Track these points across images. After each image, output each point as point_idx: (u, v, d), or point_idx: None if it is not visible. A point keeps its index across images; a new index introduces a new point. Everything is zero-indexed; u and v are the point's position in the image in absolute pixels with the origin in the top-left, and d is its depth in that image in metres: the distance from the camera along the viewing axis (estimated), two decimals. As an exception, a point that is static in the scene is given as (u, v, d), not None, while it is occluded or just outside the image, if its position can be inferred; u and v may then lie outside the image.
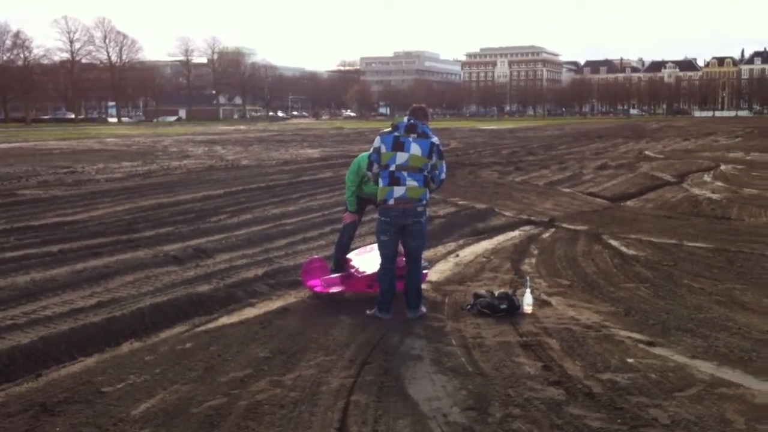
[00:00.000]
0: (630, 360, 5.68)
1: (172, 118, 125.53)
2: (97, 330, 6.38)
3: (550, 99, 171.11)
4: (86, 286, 7.94)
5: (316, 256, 8.65)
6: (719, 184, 18.46)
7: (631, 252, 9.94)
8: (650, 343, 6.09)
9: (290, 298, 7.76)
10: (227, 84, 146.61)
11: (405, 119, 7.08)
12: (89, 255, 9.51)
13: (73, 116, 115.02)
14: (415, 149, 6.87)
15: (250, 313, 7.21)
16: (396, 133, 6.96)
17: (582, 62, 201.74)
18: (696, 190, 17.17)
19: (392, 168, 6.86)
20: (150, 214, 13.18)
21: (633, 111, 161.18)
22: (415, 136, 6.92)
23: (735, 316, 6.87)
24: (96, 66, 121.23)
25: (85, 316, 6.76)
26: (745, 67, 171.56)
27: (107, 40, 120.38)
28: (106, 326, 6.48)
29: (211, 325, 6.80)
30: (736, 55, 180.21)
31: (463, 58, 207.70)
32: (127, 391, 5.11)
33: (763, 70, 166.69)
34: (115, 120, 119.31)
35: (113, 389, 5.14)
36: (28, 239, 10.63)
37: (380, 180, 6.97)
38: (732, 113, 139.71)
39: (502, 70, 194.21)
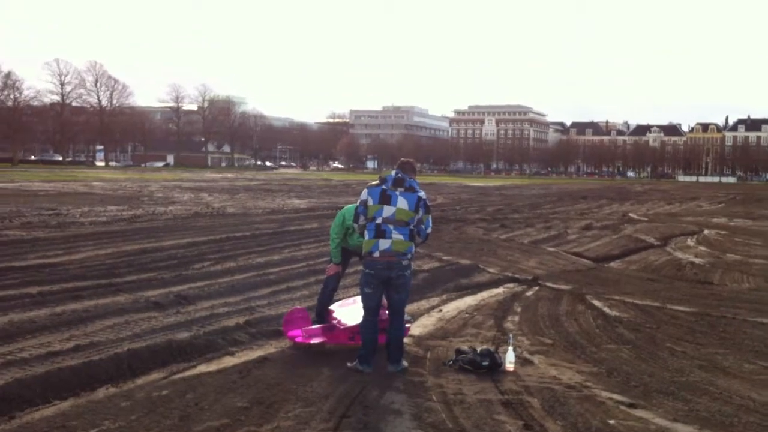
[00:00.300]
0: (611, 421, 5.64)
1: (160, 164, 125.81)
2: (74, 374, 6.29)
3: (536, 158, 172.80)
4: (64, 329, 7.84)
5: (298, 307, 8.61)
6: (702, 248, 18.57)
7: (614, 313, 9.95)
8: (632, 405, 6.06)
9: (270, 347, 7.69)
10: (216, 132, 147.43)
11: (393, 173, 7.12)
12: (69, 298, 9.42)
13: (60, 158, 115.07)
14: (402, 203, 6.91)
15: (229, 361, 7.14)
16: (383, 186, 6.99)
17: (568, 123, 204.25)
18: (679, 254, 17.26)
19: (378, 221, 6.89)
20: (133, 258, 13.09)
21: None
22: (402, 189, 6.97)
23: (717, 380, 6.85)
24: (86, 109, 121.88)
25: (61, 360, 6.66)
26: (728, 134, 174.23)
27: (98, 84, 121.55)
28: (83, 370, 6.39)
29: (188, 373, 6.71)
30: (720, 122, 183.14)
31: (452, 115, 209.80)
32: (100, 437, 5.02)
33: (747, 137, 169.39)
34: (102, 164, 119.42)
35: (87, 435, 5.04)
36: (8, 280, 10.51)
37: (366, 232, 6.99)
38: (716, 179, 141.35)
39: (489, 128, 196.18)
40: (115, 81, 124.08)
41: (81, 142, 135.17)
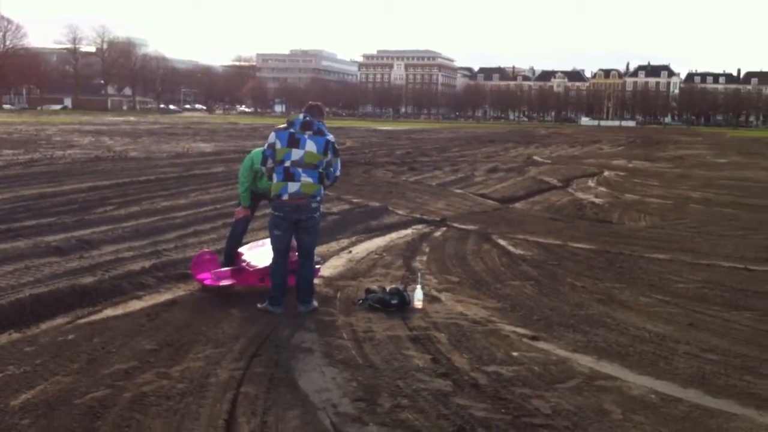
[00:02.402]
0: (515, 353, 5.86)
1: (57, 107, 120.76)
2: (-27, 320, 6.09)
3: (444, 103, 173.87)
4: (-39, 276, 7.55)
5: (206, 249, 8.53)
6: (602, 189, 19.22)
7: (518, 251, 10.24)
8: (534, 338, 6.30)
9: (179, 291, 7.62)
10: (117, 74, 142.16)
11: (301, 116, 7.08)
12: (-35, 244, 9.05)
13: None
14: (311, 146, 6.88)
15: (136, 305, 7.04)
16: (291, 130, 6.95)
17: (476, 69, 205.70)
18: (580, 195, 17.83)
19: (287, 164, 6.85)
20: (31, 203, 12.65)
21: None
22: (310, 133, 6.93)
23: (614, 313, 7.18)
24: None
25: (-40, 305, 6.43)
26: (629, 80, 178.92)
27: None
28: (-17, 316, 6.19)
29: (94, 317, 6.59)
30: (622, 68, 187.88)
31: (360, 59, 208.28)
32: (5, 381, 4.91)
33: (646, 83, 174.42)
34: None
35: (-10, 380, 4.92)
36: None
37: (275, 175, 6.94)
38: (616, 123, 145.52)
39: (398, 73, 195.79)
40: (9, 21, 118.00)
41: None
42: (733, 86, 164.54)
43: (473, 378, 5.25)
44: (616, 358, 5.85)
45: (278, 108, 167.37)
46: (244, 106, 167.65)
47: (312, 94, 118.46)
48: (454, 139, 49.08)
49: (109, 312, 6.77)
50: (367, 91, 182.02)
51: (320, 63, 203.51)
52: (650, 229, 12.84)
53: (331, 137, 7.06)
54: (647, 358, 5.85)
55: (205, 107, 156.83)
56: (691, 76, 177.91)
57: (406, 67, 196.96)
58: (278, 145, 6.92)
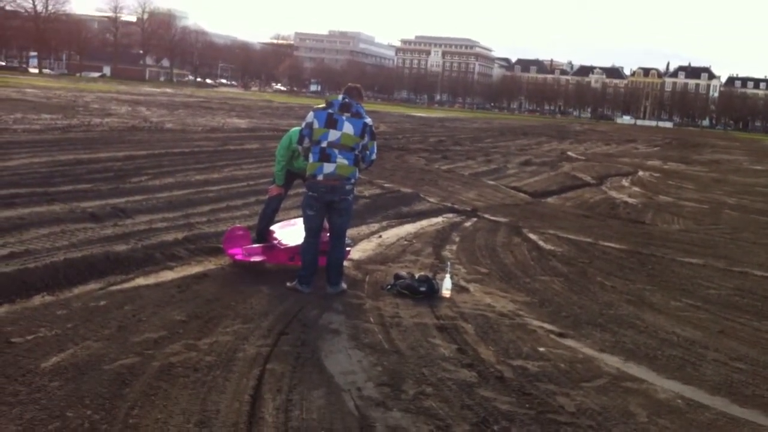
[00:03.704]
0: (541, 349, 5.84)
1: (96, 74, 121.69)
2: (9, 280, 6.18)
3: (480, 92, 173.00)
4: (-2, 236, 7.67)
5: (238, 225, 8.58)
6: (636, 189, 19.05)
7: (549, 247, 10.19)
8: (561, 335, 6.27)
9: (210, 264, 7.68)
10: (156, 45, 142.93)
11: (339, 97, 7.07)
12: (3, 205, 9.16)
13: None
14: (348, 128, 6.88)
15: (167, 276, 7.11)
16: (330, 110, 6.94)
17: (513, 60, 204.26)
18: (614, 193, 17.68)
19: (324, 144, 6.85)
20: (68, 169, 12.79)
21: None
22: (348, 115, 6.93)
23: (643, 315, 7.12)
24: (20, 14, 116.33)
25: (-5, 266, 6.53)
26: (668, 80, 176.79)
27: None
28: (18, 277, 6.29)
29: (126, 285, 6.68)
30: (662, 68, 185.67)
31: (398, 44, 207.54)
32: (37, 343, 4.99)
33: (686, 84, 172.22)
34: (36, 71, 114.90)
35: (23, 340, 5.00)
36: (-64, 183, 10.19)
37: (311, 155, 6.95)
38: (653, 123, 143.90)
39: (435, 60, 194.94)
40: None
41: (14, 48, 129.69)
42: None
43: (498, 371, 5.24)
44: (643, 360, 5.81)
45: (313, 88, 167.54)
46: (279, 84, 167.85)
47: (348, 77, 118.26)
48: (488, 130, 48.84)
49: (140, 281, 6.85)
50: (403, 77, 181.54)
51: (358, 45, 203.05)
52: (683, 232, 12.70)
53: (368, 120, 7.05)
54: (675, 363, 5.80)
55: (234, 83, 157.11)
56: (731, 80, 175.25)
57: (444, 54, 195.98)
58: (316, 125, 6.92)
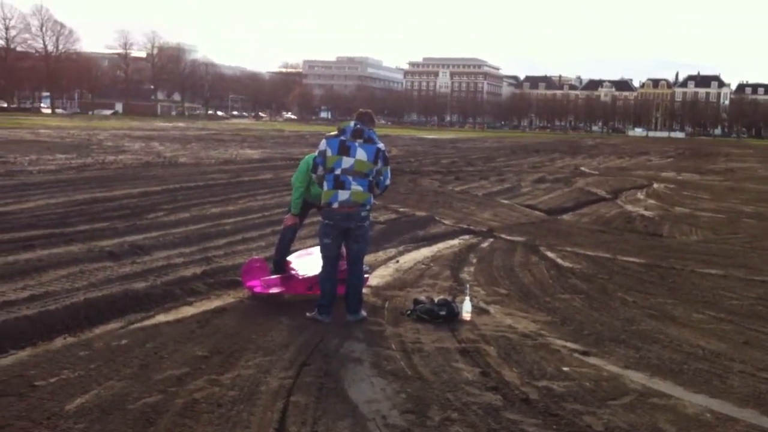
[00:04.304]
0: (565, 368, 5.79)
1: (108, 112, 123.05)
2: (30, 323, 6.21)
3: (489, 111, 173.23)
4: (18, 279, 7.70)
5: (256, 257, 8.60)
6: (652, 201, 18.96)
7: (567, 264, 10.14)
8: (585, 353, 6.22)
9: (229, 298, 7.69)
10: (166, 80, 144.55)
11: (351, 123, 7.09)
12: (21, 247, 9.23)
13: (5, 105, 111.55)
14: (361, 154, 6.90)
15: (187, 311, 7.12)
16: (342, 137, 6.97)
17: (522, 77, 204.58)
18: (629, 207, 17.60)
19: (338, 172, 6.87)
20: (84, 208, 12.88)
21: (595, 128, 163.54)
22: (361, 141, 6.95)
23: (666, 329, 7.06)
24: (31, 55, 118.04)
25: (17, 309, 6.55)
26: (678, 90, 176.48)
27: (44, 29, 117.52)
28: (39, 320, 6.32)
29: (147, 323, 6.69)
30: (671, 78, 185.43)
31: (406, 67, 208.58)
32: (60, 385, 5.00)
33: (696, 93, 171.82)
34: (49, 111, 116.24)
35: (46, 383, 5.02)
36: (-44, 229, 10.28)
37: (325, 183, 6.98)
38: (665, 134, 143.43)
39: (443, 81, 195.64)
40: (62, 26, 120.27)
41: (26, 89, 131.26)
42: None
43: (524, 392, 5.20)
44: (669, 375, 5.75)
45: (324, 115, 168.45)
46: (290, 112, 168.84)
47: (358, 102, 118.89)
48: (500, 149, 48.85)
49: (161, 317, 6.87)
50: (412, 99, 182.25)
51: (366, 70, 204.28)
52: (702, 243, 12.61)
53: (381, 146, 7.07)
54: (701, 376, 5.74)
55: (245, 114, 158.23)
56: (741, 87, 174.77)
57: (452, 74, 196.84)
58: (329, 153, 6.95)
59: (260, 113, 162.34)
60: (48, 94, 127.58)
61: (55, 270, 8.21)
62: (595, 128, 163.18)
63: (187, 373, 5.34)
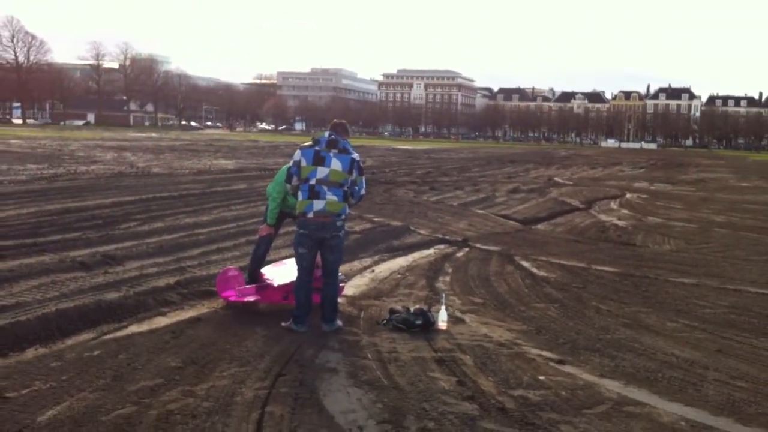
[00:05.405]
0: (541, 377, 5.79)
1: (80, 122, 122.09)
2: (1, 334, 6.09)
3: (464, 123, 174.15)
4: (-12, 289, 7.58)
5: (231, 266, 8.53)
6: (625, 211, 19.11)
7: (542, 273, 10.17)
8: (560, 362, 6.23)
9: (203, 308, 7.62)
10: (139, 91, 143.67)
11: (326, 134, 7.08)
12: (-9, 258, 9.09)
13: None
14: (336, 164, 6.89)
15: (160, 322, 7.05)
16: (317, 148, 6.96)
17: (496, 89, 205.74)
18: (603, 217, 17.73)
19: (312, 182, 6.86)
20: (56, 218, 12.71)
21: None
22: (336, 151, 6.94)
23: (641, 337, 7.10)
24: (2, 66, 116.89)
25: (-13, 320, 6.44)
26: (650, 102, 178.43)
27: (15, 40, 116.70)
28: (10, 330, 6.21)
29: (119, 333, 6.61)
30: (643, 90, 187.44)
31: (380, 78, 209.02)
32: (32, 397, 4.91)
33: (667, 105, 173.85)
34: (20, 121, 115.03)
35: (17, 395, 4.93)
36: (-77, 239, 10.10)
37: (300, 193, 6.96)
38: (637, 145, 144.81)
39: (418, 92, 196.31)
40: (33, 37, 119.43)
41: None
42: (754, 110, 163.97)
43: (500, 402, 5.20)
44: (644, 383, 5.77)
45: (298, 126, 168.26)
46: (264, 123, 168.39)
47: (332, 113, 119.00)
48: (474, 159, 49.05)
49: (134, 328, 6.79)
50: (387, 111, 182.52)
51: (340, 82, 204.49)
52: (675, 252, 12.72)
53: (356, 156, 7.07)
54: (676, 384, 5.77)
55: (219, 125, 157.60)
56: (712, 99, 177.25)
57: (426, 86, 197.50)
58: (303, 163, 6.93)
59: (235, 124, 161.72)
60: (19, 104, 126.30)
61: (27, 280, 8.09)
62: (567, 139, 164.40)
63: (161, 384, 5.27)
